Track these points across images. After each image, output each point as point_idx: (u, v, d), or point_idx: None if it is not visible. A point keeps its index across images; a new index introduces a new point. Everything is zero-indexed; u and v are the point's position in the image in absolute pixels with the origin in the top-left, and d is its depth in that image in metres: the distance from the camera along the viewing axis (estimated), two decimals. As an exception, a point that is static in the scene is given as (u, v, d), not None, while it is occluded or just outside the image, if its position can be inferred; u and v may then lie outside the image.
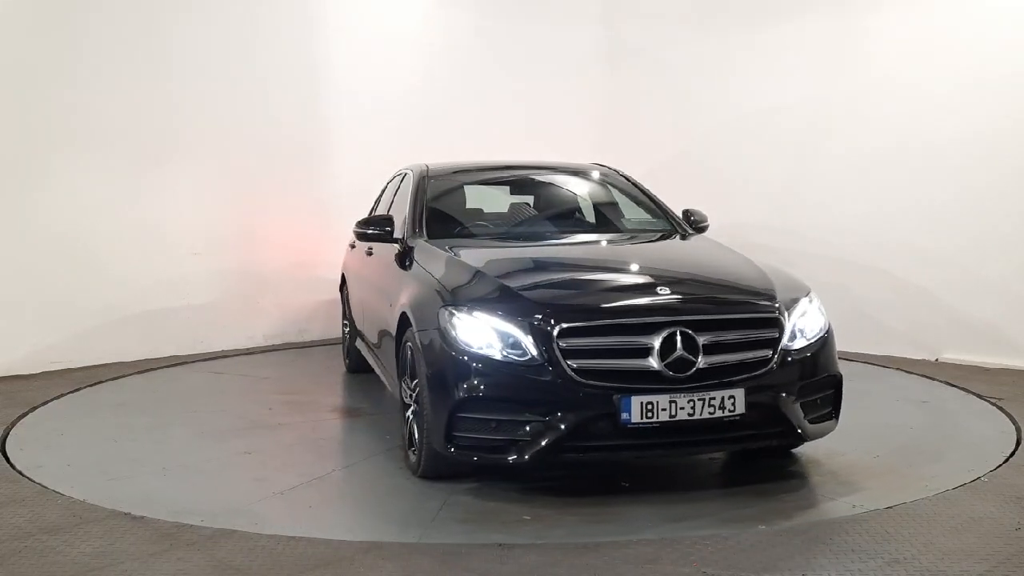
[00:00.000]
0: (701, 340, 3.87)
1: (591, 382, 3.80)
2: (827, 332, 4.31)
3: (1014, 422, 5.23)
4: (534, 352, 3.84)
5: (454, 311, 4.03)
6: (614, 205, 5.94)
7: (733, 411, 3.86)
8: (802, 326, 4.19)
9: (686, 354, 3.84)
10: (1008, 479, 4.25)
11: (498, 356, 3.88)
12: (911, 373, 6.75)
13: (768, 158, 8.17)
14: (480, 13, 9.22)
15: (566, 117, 9.14)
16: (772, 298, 4.19)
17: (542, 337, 3.85)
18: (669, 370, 3.82)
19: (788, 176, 8.08)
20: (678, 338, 3.84)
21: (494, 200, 6.22)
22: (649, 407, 3.77)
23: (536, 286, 4.30)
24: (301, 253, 8.35)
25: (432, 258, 4.75)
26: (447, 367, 3.97)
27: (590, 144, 8.65)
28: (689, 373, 3.84)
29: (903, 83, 7.34)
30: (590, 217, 5.89)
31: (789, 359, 4.06)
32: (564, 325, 3.87)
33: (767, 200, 8.18)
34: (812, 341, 4.19)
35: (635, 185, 5.96)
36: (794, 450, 4.59)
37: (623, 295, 4.27)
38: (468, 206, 5.95)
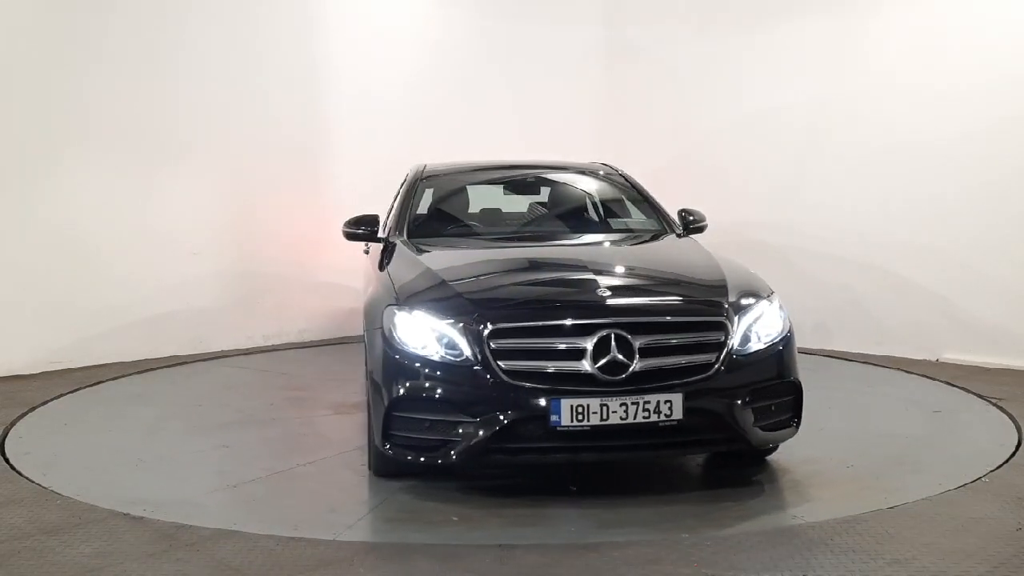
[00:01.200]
0: (637, 343, 3.80)
1: (522, 383, 3.77)
2: (786, 336, 4.18)
3: (1015, 422, 5.23)
4: (468, 353, 3.84)
5: (396, 310, 4.07)
6: (606, 205, 5.93)
7: (670, 416, 3.76)
8: (757, 329, 4.07)
9: (620, 357, 3.77)
10: (1009, 479, 4.25)
11: (435, 356, 3.88)
12: (911, 373, 6.75)
13: (768, 158, 8.16)
14: (480, 13, 9.21)
15: (566, 117, 9.13)
16: (719, 301, 4.10)
17: (475, 338, 3.84)
18: (602, 373, 3.77)
19: (788, 176, 8.07)
20: (612, 341, 3.78)
21: (488, 200, 6.20)
22: (580, 410, 3.72)
23: (481, 287, 4.31)
24: (301, 253, 8.35)
25: (401, 258, 4.80)
26: (386, 366, 3.99)
27: (590, 144, 8.64)
28: (623, 376, 3.77)
29: (903, 82, 7.33)
30: (578, 217, 5.87)
31: (738, 363, 3.94)
32: (495, 326, 3.86)
33: (767, 200, 8.17)
34: (766, 345, 4.07)
35: (631, 185, 5.90)
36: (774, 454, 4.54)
37: (562, 296, 4.26)
38: (459, 206, 5.92)
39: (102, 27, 7.32)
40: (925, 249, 7.28)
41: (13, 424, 5.44)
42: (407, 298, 4.14)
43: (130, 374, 6.98)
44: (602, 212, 5.91)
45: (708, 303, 4.14)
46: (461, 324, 3.89)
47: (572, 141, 8.69)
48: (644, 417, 3.75)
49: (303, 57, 8.38)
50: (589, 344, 3.79)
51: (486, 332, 3.83)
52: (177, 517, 3.84)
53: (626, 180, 5.95)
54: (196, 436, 5.25)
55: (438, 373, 3.87)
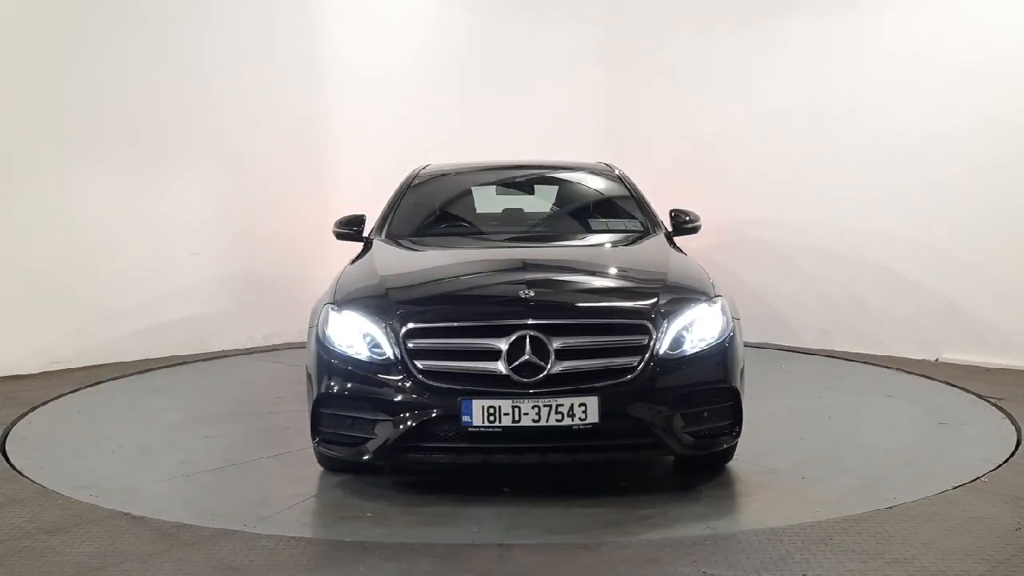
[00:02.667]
0: (554, 345, 3.77)
1: (436, 383, 3.79)
2: (725, 341, 4.04)
3: (1014, 422, 5.23)
4: (389, 353, 3.87)
5: (330, 310, 4.13)
6: (593, 205, 5.90)
7: (584, 419, 3.72)
8: (691, 333, 3.97)
9: (534, 358, 3.75)
10: (1008, 479, 4.25)
11: (360, 355, 3.93)
12: (911, 373, 6.75)
13: (768, 157, 8.16)
14: (481, 13, 9.21)
15: (567, 117, 9.12)
16: (644, 303, 4.02)
17: (395, 337, 3.88)
18: (517, 374, 3.75)
19: (789, 175, 8.07)
20: (527, 342, 3.76)
21: (481, 200, 6.16)
22: (491, 411, 3.71)
23: (412, 287, 4.32)
24: (301, 252, 8.35)
25: (362, 257, 4.86)
26: (316, 363, 4.06)
27: (590, 144, 8.64)
28: (538, 378, 3.74)
29: (903, 82, 7.33)
30: (559, 218, 5.83)
31: (665, 367, 3.87)
32: (411, 326, 3.89)
33: (768, 199, 8.17)
34: (700, 349, 3.97)
35: (624, 185, 5.79)
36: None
37: (484, 297, 4.25)
38: (444, 207, 5.90)
39: (103, 28, 7.33)
40: (925, 249, 7.28)
41: (13, 424, 5.44)
42: (342, 298, 4.21)
43: (130, 374, 6.98)
44: (586, 213, 5.87)
45: (632, 305, 4.07)
46: (384, 324, 3.94)
47: (572, 141, 8.68)
48: (557, 420, 3.71)
49: (304, 58, 8.38)
50: (504, 345, 3.78)
51: (403, 332, 3.88)
52: (115, 503, 4.01)
53: (620, 180, 5.85)
54: (189, 426, 5.40)
55: (362, 372, 3.92)
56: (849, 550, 3.41)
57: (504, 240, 5.30)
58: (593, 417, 3.73)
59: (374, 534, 3.68)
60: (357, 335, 3.97)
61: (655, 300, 4.04)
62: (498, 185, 6.21)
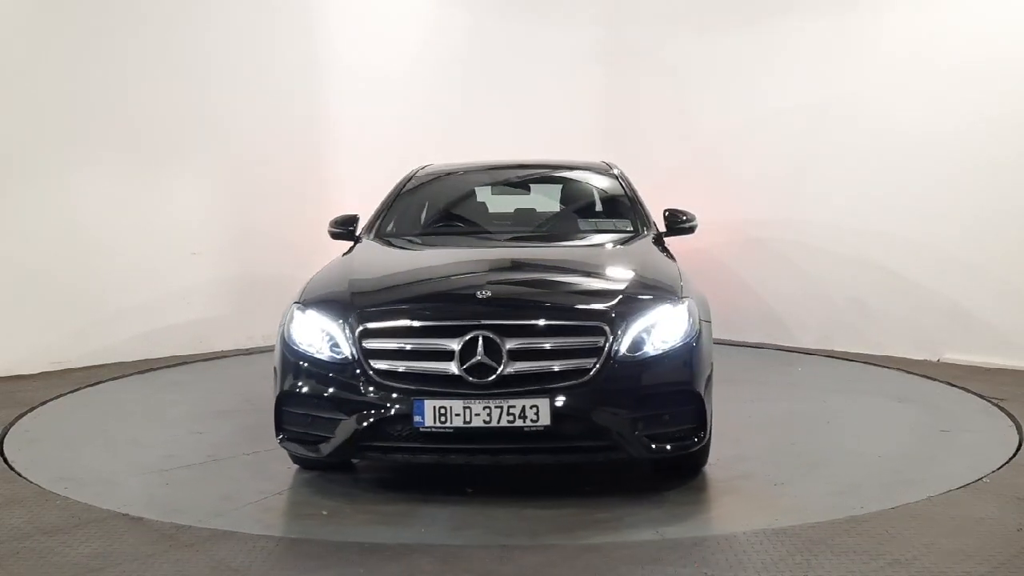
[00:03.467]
0: (507, 345, 3.76)
1: (390, 383, 3.81)
2: (690, 343, 3.96)
3: (1015, 422, 5.23)
4: (347, 352, 3.90)
5: (295, 310, 4.17)
6: (587, 205, 5.88)
7: (536, 421, 3.69)
8: (653, 335, 3.90)
9: (486, 359, 3.75)
10: (1009, 480, 4.24)
11: (320, 355, 3.96)
12: (912, 373, 6.74)
13: (769, 157, 8.16)
14: (481, 13, 9.22)
15: (567, 117, 9.13)
16: (601, 305, 3.98)
17: (352, 337, 3.91)
18: (469, 375, 3.75)
19: (789, 175, 8.07)
20: (480, 343, 3.76)
21: (474, 200, 6.13)
22: (442, 412, 3.71)
23: (373, 287, 4.30)
24: (302, 252, 8.32)
25: (342, 257, 4.90)
26: (281, 362, 4.11)
27: (590, 144, 8.64)
28: (491, 379, 3.74)
29: (903, 81, 7.33)
30: (552, 217, 5.82)
31: (622, 369, 3.82)
32: (366, 326, 3.91)
33: (768, 199, 8.18)
34: (663, 352, 3.90)
35: (621, 184, 5.74)
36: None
37: (442, 297, 4.24)
38: (440, 206, 5.91)
39: (103, 28, 7.33)
40: (926, 249, 7.28)
41: (13, 424, 5.44)
42: (307, 298, 4.24)
43: (130, 374, 6.98)
44: (577, 213, 5.85)
45: (588, 306, 4.04)
46: (343, 324, 3.96)
47: (573, 141, 8.68)
48: (508, 421, 3.70)
49: (305, 58, 8.39)
50: (456, 346, 3.77)
51: (359, 331, 3.90)
52: (86, 496, 4.10)
53: (617, 180, 5.79)
54: (188, 421, 5.47)
55: (322, 371, 3.95)
56: (850, 551, 3.40)
57: (487, 240, 5.31)
58: (545, 419, 3.70)
59: (325, 532, 3.71)
60: (318, 334, 4.00)
61: (615, 302, 4.00)
62: (493, 185, 6.20)
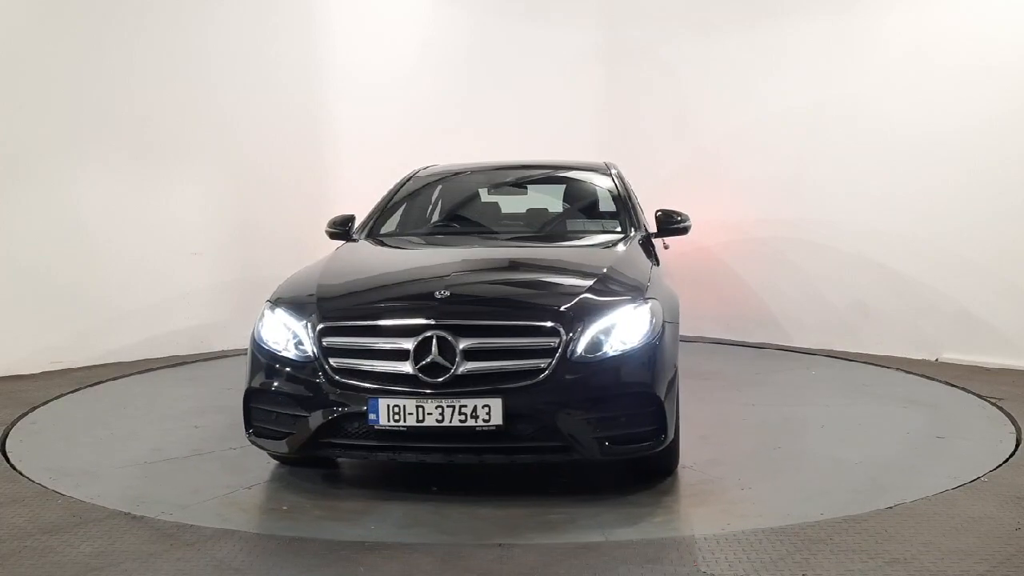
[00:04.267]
0: (461, 345, 3.77)
1: (347, 381, 3.85)
2: (650, 345, 3.92)
3: (1014, 422, 5.24)
4: (309, 351, 3.95)
5: (266, 308, 4.25)
6: (580, 205, 5.86)
7: (488, 421, 3.70)
8: (611, 336, 3.88)
9: (440, 359, 3.77)
10: (1008, 479, 4.25)
11: (286, 352, 4.02)
12: (911, 373, 6.75)
13: (768, 157, 8.17)
14: (481, 14, 9.22)
15: (567, 117, 9.14)
16: (555, 305, 3.95)
17: (313, 335, 3.96)
18: (424, 374, 3.77)
19: (788, 175, 8.08)
20: (434, 343, 3.78)
21: (467, 201, 6.17)
22: (396, 410, 3.74)
23: (339, 287, 4.33)
24: (302, 253, 8.29)
25: (325, 256, 4.94)
26: (250, 359, 4.18)
27: (590, 144, 8.66)
28: (444, 379, 3.76)
29: (903, 81, 7.34)
30: (541, 218, 5.79)
31: (578, 370, 3.80)
32: (325, 324, 3.96)
33: (767, 199, 8.19)
34: (621, 353, 3.86)
35: (615, 184, 5.68)
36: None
37: (399, 297, 4.26)
38: (433, 207, 5.94)
39: (105, 28, 7.34)
40: (926, 249, 7.29)
41: (14, 424, 5.44)
42: (277, 296, 4.30)
43: (130, 374, 6.99)
44: (567, 213, 5.83)
45: (542, 307, 4.01)
46: (305, 322, 4.02)
47: (573, 141, 8.70)
48: (461, 421, 3.72)
49: (305, 59, 8.39)
50: (411, 345, 3.80)
51: (318, 330, 3.96)
52: (65, 486, 4.22)
53: (612, 180, 5.74)
54: (190, 416, 5.53)
55: (286, 369, 4.00)
56: (849, 550, 3.41)
57: (471, 240, 5.35)
58: (497, 419, 3.71)
59: (279, 527, 3.77)
60: (283, 333, 4.07)
61: (572, 302, 3.97)
62: (489, 186, 6.19)
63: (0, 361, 6.84)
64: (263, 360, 4.09)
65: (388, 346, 3.87)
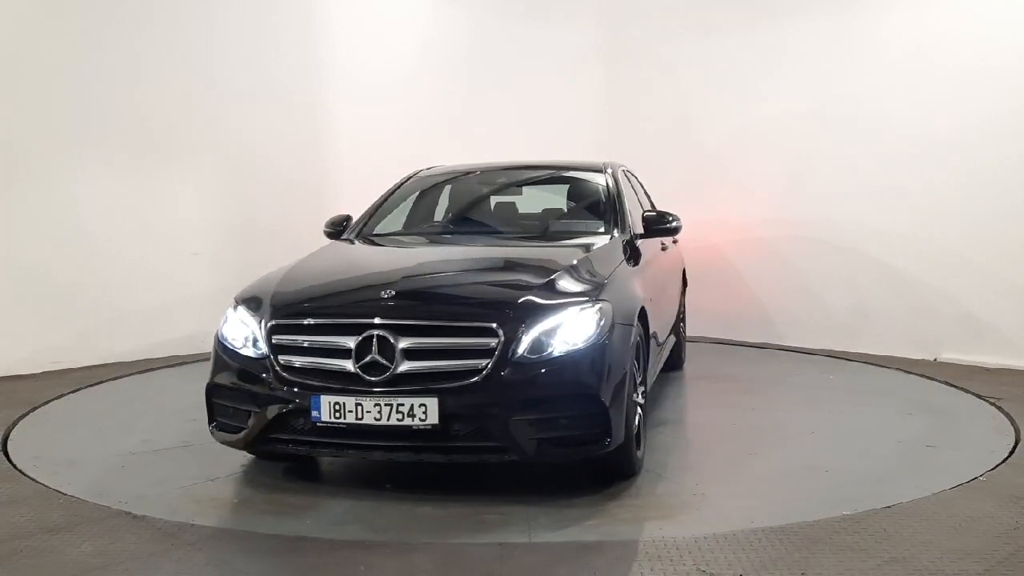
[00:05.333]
0: (400, 344, 3.81)
1: (294, 379, 3.93)
2: (596, 347, 3.89)
3: (1013, 422, 5.24)
4: (262, 348, 4.06)
5: (230, 306, 4.38)
6: (569, 206, 5.85)
7: (425, 420, 3.74)
8: (554, 337, 3.85)
9: (379, 358, 3.81)
10: (1007, 479, 4.26)
11: (241, 349, 4.14)
12: (911, 373, 6.76)
13: (768, 157, 8.17)
14: (481, 14, 9.22)
15: (567, 117, 9.14)
16: (496, 306, 3.95)
17: (264, 333, 4.07)
18: (364, 373, 3.82)
19: (788, 175, 8.09)
20: (374, 341, 3.82)
21: (459, 202, 6.13)
22: (336, 407, 3.81)
23: (296, 285, 4.39)
24: (301, 254, 8.30)
25: (304, 256, 5.03)
26: (212, 355, 4.32)
27: (591, 144, 8.66)
28: (384, 377, 3.80)
29: (904, 81, 7.35)
30: (527, 219, 5.78)
31: (517, 371, 3.79)
32: (274, 322, 4.07)
33: (767, 199, 8.19)
34: (563, 355, 3.84)
35: (608, 184, 5.60)
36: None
37: (345, 296, 4.31)
38: (425, 207, 5.96)
39: (106, 28, 7.34)
40: (925, 249, 7.30)
41: (14, 424, 5.45)
42: (241, 295, 4.44)
43: (130, 374, 6.99)
44: (552, 213, 5.80)
45: (481, 308, 4.02)
46: (259, 320, 4.13)
47: (573, 141, 8.70)
48: (398, 419, 3.76)
49: (305, 58, 8.39)
50: (353, 343, 3.85)
51: (268, 327, 4.06)
52: (43, 475, 4.34)
53: (606, 180, 5.64)
54: (192, 412, 5.44)
55: (242, 366, 4.11)
56: (848, 549, 3.42)
57: (449, 241, 5.42)
58: (433, 418, 3.74)
59: (228, 520, 3.87)
60: (241, 330, 4.19)
61: (516, 303, 3.97)
62: (482, 188, 6.17)
63: (0, 361, 6.84)
64: (223, 357, 4.21)
65: (332, 344, 3.94)
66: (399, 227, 5.69)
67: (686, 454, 4.85)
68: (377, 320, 3.89)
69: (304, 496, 4.14)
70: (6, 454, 4.85)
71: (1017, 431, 5.05)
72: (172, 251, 7.70)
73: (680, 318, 6.87)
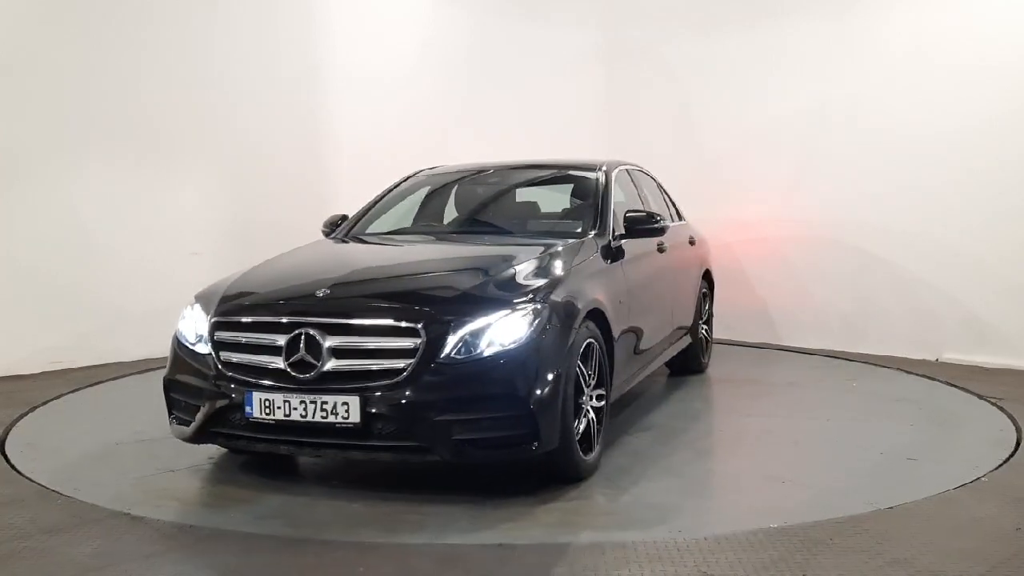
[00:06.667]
0: (327, 343, 3.87)
1: (232, 374, 4.05)
2: (525, 350, 3.86)
3: (1014, 422, 5.24)
4: (207, 344, 4.20)
5: (189, 305, 4.47)
6: (551, 206, 5.81)
7: (347, 418, 3.79)
8: (481, 339, 3.84)
9: (307, 356, 3.88)
10: (1008, 479, 4.26)
11: (193, 345, 4.26)
12: (911, 373, 6.76)
13: (768, 157, 8.17)
14: (482, 14, 9.22)
15: (567, 117, 9.14)
16: (420, 306, 3.98)
17: (207, 330, 4.21)
18: (293, 370, 3.90)
19: (788, 175, 8.08)
20: (302, 340, 3.89)
21: (451, 202, 6.13)
22: (267, 404, 3.90)
23: (248, 284, 4.47)
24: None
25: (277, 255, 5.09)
26: (170, 350, 4.44)
27: (591, 144, 8.65)
28: (311, 375, 3.87)
29: (903, 81, 7.35)
30: (505, 219, 5.70)
31: (441, 372, 3.80)
32: (216, 319, 4.20)
33: (768, 199, 8.19)
34: (490, 356, 3.83)
35: (599, 184, 5.50)
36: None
37: (283, 294, 4.34)
38: (415, 207, 5.99)
39: (105, 29, 7.33)
40: (926, 249, 7.30)
41: (14, 424, 5.44)
42: (199, 292, 4.53)
43: (130, 374, 6.99)
44: (534, 214, 5.77)
45: (408, 308, 4.01)
46: (207, 317, 4.25)
47: (573, 142, 8.69)
48: (322, 417, 3.83)
49: (305, 58, 8.39)
50: (283, 341, 3.94)
51: (211, 324, 4.20)
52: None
53: (595, 181, 5.54)
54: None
55: (191, 361, 4.23)
56: (849, 550, 3.41)
57: (418, 241, 5.46)
58: (355, 417, 3.80)
59: (171, 513, 3.92)
60: (193, 327, 4.31)
61: (444, 303, 4.03)
62: (476, 187, 6.15)
63: (0, 361, 6.83)
64: (178, 352, 4.34)
65: (265, 342, 4.03)
66: (388, 227, 5.73)
67: (647, 462, 4.61)
68: (305, 319, 3.97)
69: (246, 490, 4.22)
70: (4, 455, 4.84)
71: (1018, 432, 5.05)
72: (172, 251, 7.69)
73: (701, 320, 6.79)
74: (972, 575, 3.20)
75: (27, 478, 4.43)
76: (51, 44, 7.06)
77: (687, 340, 6.48)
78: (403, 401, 3.79)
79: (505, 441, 3.90)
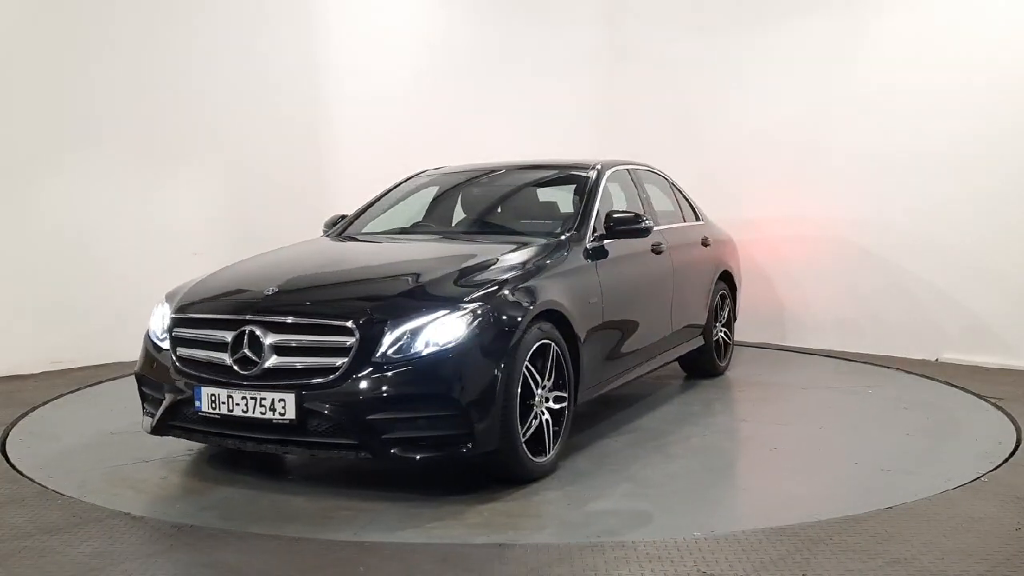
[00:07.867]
0: (268, 340, 3.96)
1: (185, 369, 4.18)
2: (460, 350, 3.88)
3: (1014, 422, 5.24)
4: (167, 340, 4.34)
5: (160, 302, 4.57)
6: (535, 207, 5.78)
7: (284, 415, 3.87)
8: (416, 339, 3.87)
9: (248, 352, 3.97)
10: (1008, 479, 4.26)
11: (158, 341, 4.40)
12: (911, 373, 6.76)
13: (769, 157, 8.17)
14: (482, 14, 9.23)
15: (568, 117, 9.14)
16: (357, 306, 4.03)
17: (167, 326, 4.37)
18: (237, 366, 4.00)
19: (788, 175, 8.08)
20: (246, 336, 3.99)
21: (441, 202, 6.11)
22: (213, 399, 4.01)
23: (210, 282, 4.62)
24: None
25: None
26: (141, 346, 4.56)
27: (591, 144, 8.66)
28: (253, 371, 3.96)
29: (903, 82, 7.34)
30: (487, 220, 5.74)
31: (375, 370, 3.83)
32: (174, 316, 4.36)
33: (768, 199, 8.19)
34: (425, 356, 3.85)
35: (588, 185, 5.45)
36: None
37: (234, 291, 4.44)
38: (408, 207, 6.01)
39: (104, 28, 7.33)
40: (926, 249, 7.30)
41: (14, 424, 5.45)
42: (170, 290, 4.66)
43: (130, 374, 6.94)
44: (520, 214, 5.74)
45: (345, 307, 4.08)
46: (167, 314, 4.41)
47: (573, 142, 8.70)
48: (261, 413, 3.91)
49: (305, 59, 8.39)
50: (230, 337, 4.04)
51: (169, 320, 4.36)
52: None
53: (585, 182, 5.50)
54: None
55: (155, 356, 4.38)
56: (849, 550, 3.41)
57: (395, 240, 5.48)
58: (291, 413, 3.87)
59: (136, 506, 3.99)
60: (159, 323, 4.46)
61: (381, 302, 4.08)
62: (469, 188, 6.11)
63: (0, 361, 6.83)
64: (146, 348, 4.49)
65: (214, 338, 4.14)
66: (382, 227, 5.74)
67: (605, 465, 4.53)
68: (249, 316, 4.06)
69: (199, 482, 4.34)
70: (5, 455, 4.84)
71: (1018, 431, 5.05)
72: (172, 251, 7.68)
73: (718, 322, 6.71)
74: (972, 575, 3.20)
75: (27, 478, 4.44)
76: (51, 46, 7.06)
77: (697, 342, 6.38)
78: (336, 398, 3.84)
79: (439, 441, 3.91)
